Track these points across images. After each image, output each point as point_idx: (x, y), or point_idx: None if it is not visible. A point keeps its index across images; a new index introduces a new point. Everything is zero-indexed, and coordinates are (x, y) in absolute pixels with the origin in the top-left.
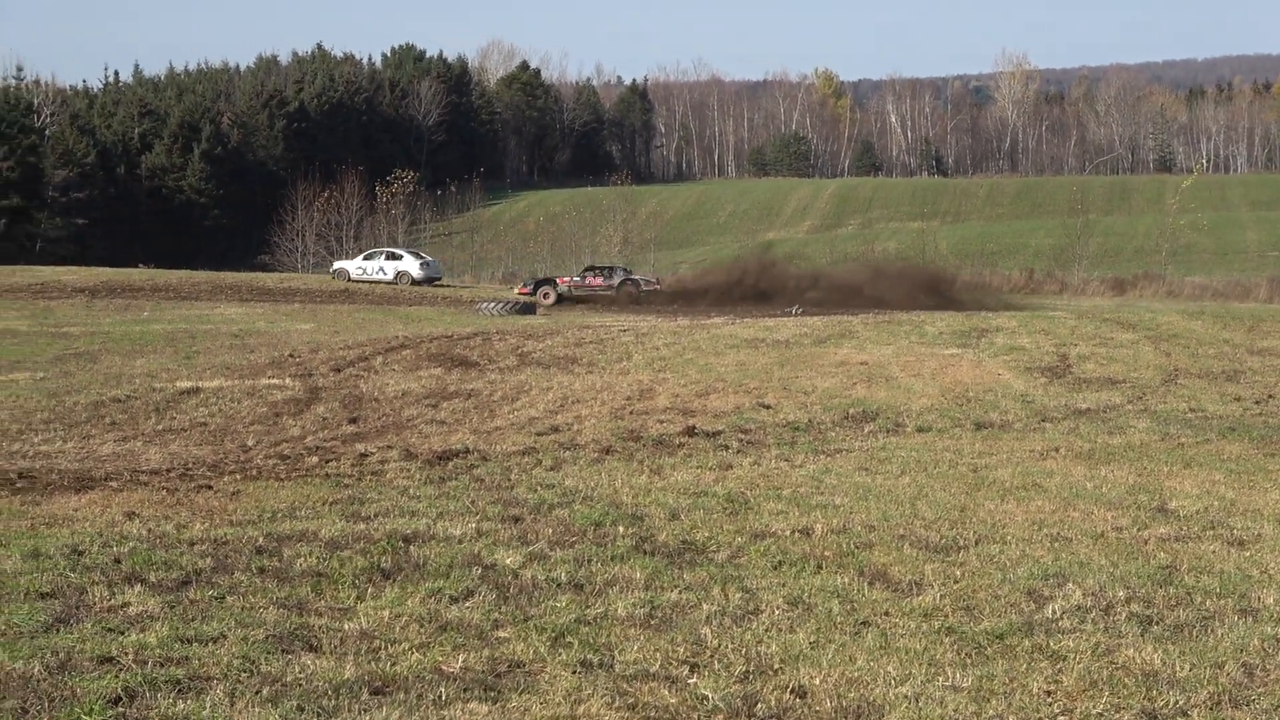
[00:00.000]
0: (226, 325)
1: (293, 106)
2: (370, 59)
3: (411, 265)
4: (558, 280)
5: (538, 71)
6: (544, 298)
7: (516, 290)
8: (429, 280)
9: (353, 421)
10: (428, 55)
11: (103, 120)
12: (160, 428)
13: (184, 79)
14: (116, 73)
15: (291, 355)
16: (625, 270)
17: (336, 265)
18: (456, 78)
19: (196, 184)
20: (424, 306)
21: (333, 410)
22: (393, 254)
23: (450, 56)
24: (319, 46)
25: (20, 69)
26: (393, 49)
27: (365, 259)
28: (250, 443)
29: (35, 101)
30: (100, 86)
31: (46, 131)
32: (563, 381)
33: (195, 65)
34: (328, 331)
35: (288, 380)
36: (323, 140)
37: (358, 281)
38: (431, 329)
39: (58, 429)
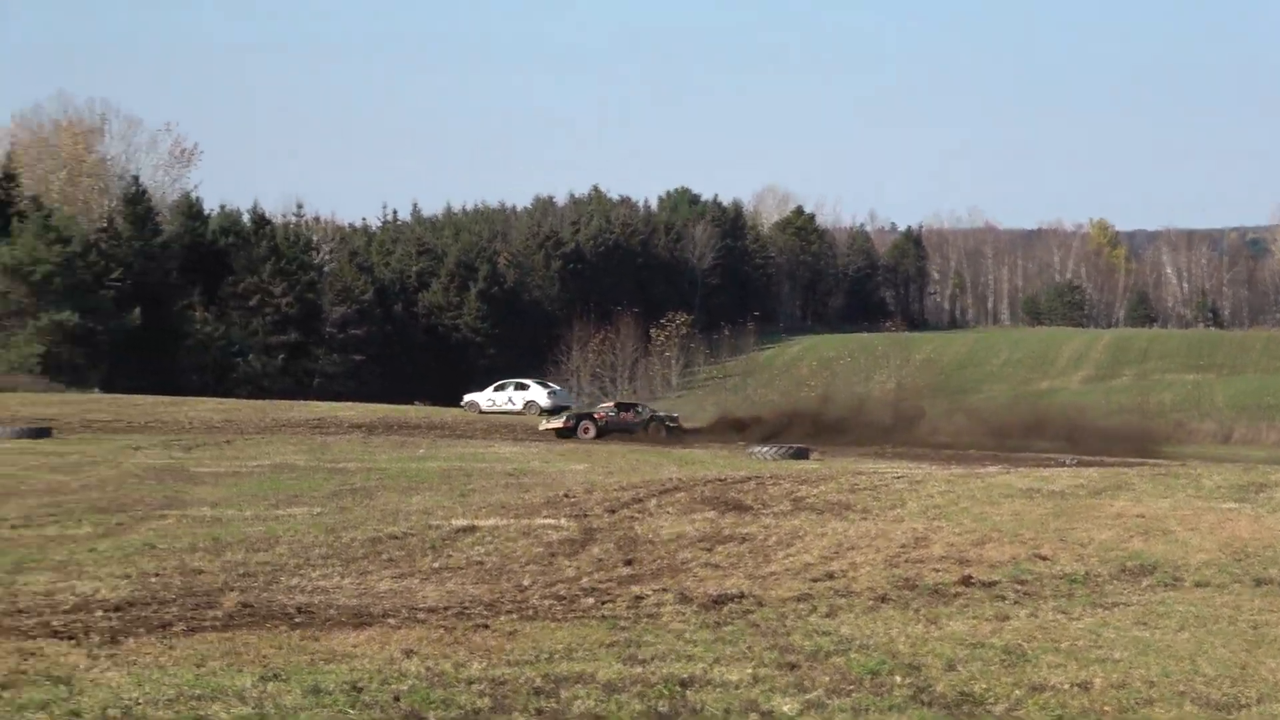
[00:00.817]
0: (501, 464)
1: (569, 247)
2: (646, 202)
3: (539, 395)
4: (595, 414)
5: (812, 216)
6: (584, 432)
7: (559, 423)
8: (556, 410)
9: (628, 563)
10: (702, 199)
11: (381, 258)
12: (436, 565)
13: (461, 218)
14: (395, 211)
15: (566, 495)
16: (651, 409)
17: (467, 398)
18: (731, 221)
19: (472, 322)
20: (697, 449)
21: (608, 551)
22: (521, 384)
23: (725, 200)
24: (595, 189)
25: (300, 206)
26: (668, 192)
27: (495, 390)
28: (526, 582)
29: (314, 238)
30: (379, 224)
31: (325, 268)
32: (837, 528)
33: (472, 205)
34: (601, 472)
35: (563, 520)
36: (597, 281)
37: (489, 413)
38: (705, 472)
39: (335, 564)
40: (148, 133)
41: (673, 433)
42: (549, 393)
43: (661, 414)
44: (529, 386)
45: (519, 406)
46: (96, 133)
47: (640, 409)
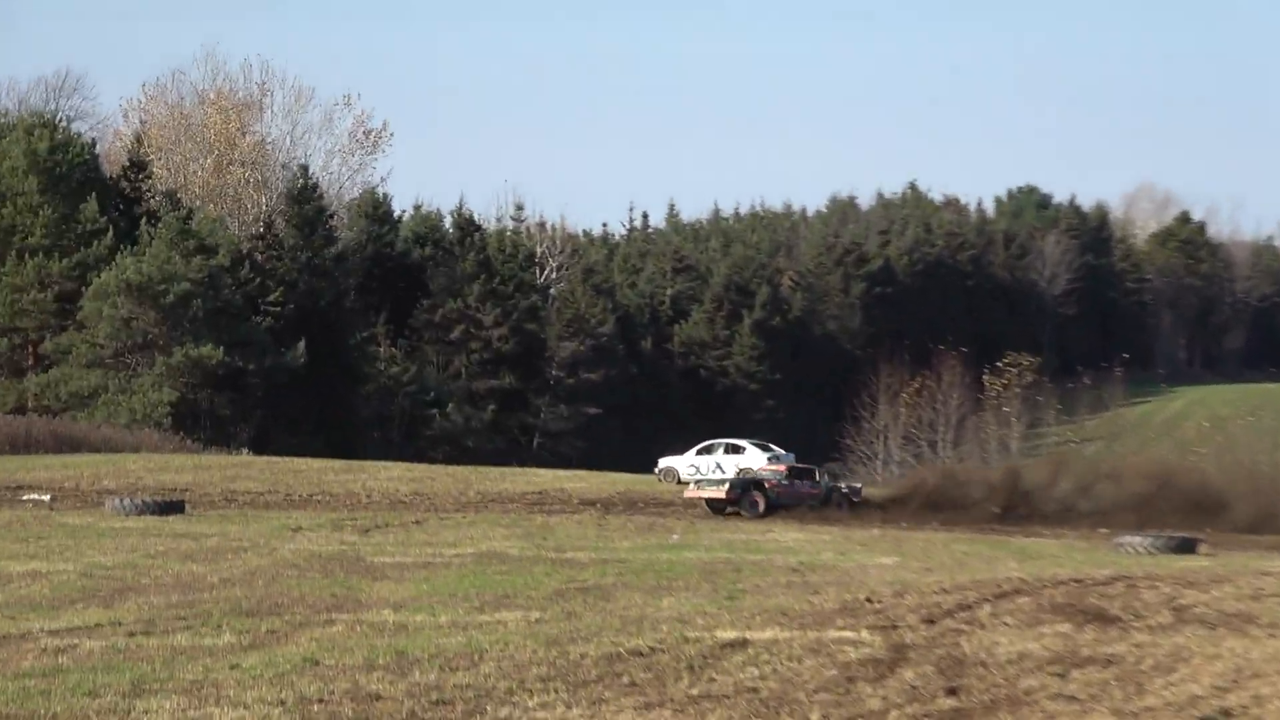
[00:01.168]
0: (782, 555)
1: (875, 264)
2: (979, 204)
3: (757, 459)
4: (766, 483)
5: (1202, 225)
6: (752, 506)
7: (718, 491)
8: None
9: (951, 693)
10: (1054, 201)
11: (625, 277)
12: (694, 692)
13: (732, 225)
14: (645, 215)
15: (868, 599)
16: (830, 477)
17: (663, 464)
18: (1092, 231)
19: (745, 364)
20: (1045, 539)
21: (925, 676)
22: (734, 446)
23: (1085, 203)
24: (911, 186)
25: (520, 208)
26: (1009, 192)
27: (699, 454)
28: (815, 716)
29: (538, 250)
30: (623, 232)
31: (551, 290)
32: (1234, 647)
33: (747, 207)
34: (916, 568)
35: (864, 633)
36: (913, 309)
37: (687, 484)
38: (1055, 569)
39: (559, 689)
40: (321, 108)
41: (855, 508)
42: (770, 457)
43: (844, 486)
44: (743, 449)
45: (730, 474)
46: (254, 107)
47: (819, 478)
